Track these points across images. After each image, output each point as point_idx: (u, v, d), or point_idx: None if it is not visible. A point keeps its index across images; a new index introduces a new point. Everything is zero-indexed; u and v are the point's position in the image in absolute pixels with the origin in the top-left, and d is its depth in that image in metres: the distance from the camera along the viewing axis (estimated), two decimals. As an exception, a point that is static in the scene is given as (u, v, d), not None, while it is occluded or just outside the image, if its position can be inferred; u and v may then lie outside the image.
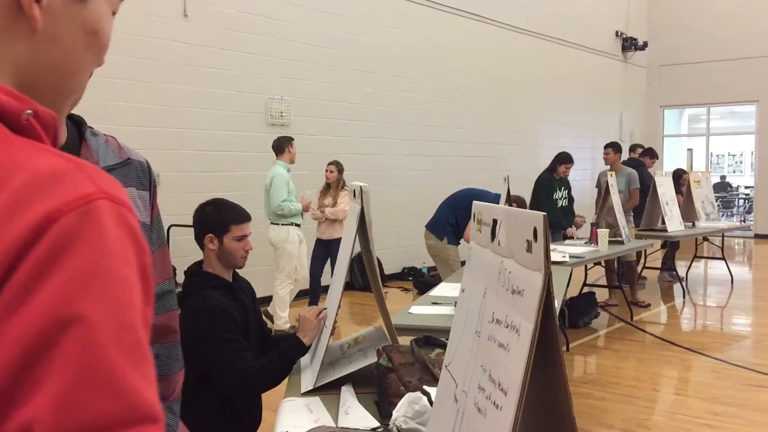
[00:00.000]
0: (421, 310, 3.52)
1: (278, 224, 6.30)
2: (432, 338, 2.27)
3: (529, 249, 0.80)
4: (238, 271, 2.60)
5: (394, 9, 9.20)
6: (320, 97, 8.23)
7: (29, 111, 0.56)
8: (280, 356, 2.41)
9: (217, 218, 2.49)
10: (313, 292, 6.85)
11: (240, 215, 2.52)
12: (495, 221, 0.97)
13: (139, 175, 1.28)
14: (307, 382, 2.35)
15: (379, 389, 2.10)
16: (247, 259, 2.55)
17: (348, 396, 2.19)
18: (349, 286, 8.11)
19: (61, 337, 0.49)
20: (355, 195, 2.44)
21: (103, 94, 6.20)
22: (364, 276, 8.80)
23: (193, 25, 6.91)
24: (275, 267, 6.48)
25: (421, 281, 8.50)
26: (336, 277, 2.70)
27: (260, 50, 7.53)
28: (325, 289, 7.09)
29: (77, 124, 1.24)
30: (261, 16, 7.53)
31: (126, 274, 0.52)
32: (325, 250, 6.73)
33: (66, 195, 0.51)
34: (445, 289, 4.06)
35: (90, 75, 0.67)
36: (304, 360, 2.54)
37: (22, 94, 0.56)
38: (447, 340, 1.38)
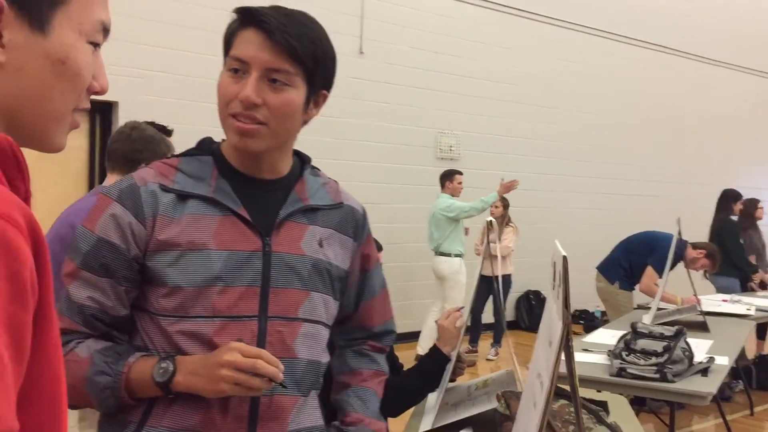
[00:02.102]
0: (568, 357, 3.30)
1: (449, 255, 6.41)
2: (559, 388, 2.10)
3: (558, 295, 0.69)
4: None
5: (573, 41, 8.91)
6: (490, 132, 8.15)
7: None
8: (417, 369, 2.35)
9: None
10: (474, 329, 6.77)
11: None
12: (555, 264, 0.86)
13: (345, 219, 1.37)
14: (427, 422, 2.28)
15: (494, 438, 1.98)
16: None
17: (463, 441, 2.09)
18: (513, 326, 7.86)
19: None
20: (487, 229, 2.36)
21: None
22: (531, 315, 8.52)
23: (367, 61, 7.16)
24: (442, 299, 6.48)
25: (592, 326, 8.06)
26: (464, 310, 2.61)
27: (431, 85, 7.63)
28: (487, 326, 7.02)
29: (302, 161, 1.38)
30: (431, 51, 7.63)
31: None
32: (487, 287, 6.62)
33: None
34: (601, 336, 3.77)
35: (79, 99, 0.71)
36: (430, 399, 2.47)
37: None
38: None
